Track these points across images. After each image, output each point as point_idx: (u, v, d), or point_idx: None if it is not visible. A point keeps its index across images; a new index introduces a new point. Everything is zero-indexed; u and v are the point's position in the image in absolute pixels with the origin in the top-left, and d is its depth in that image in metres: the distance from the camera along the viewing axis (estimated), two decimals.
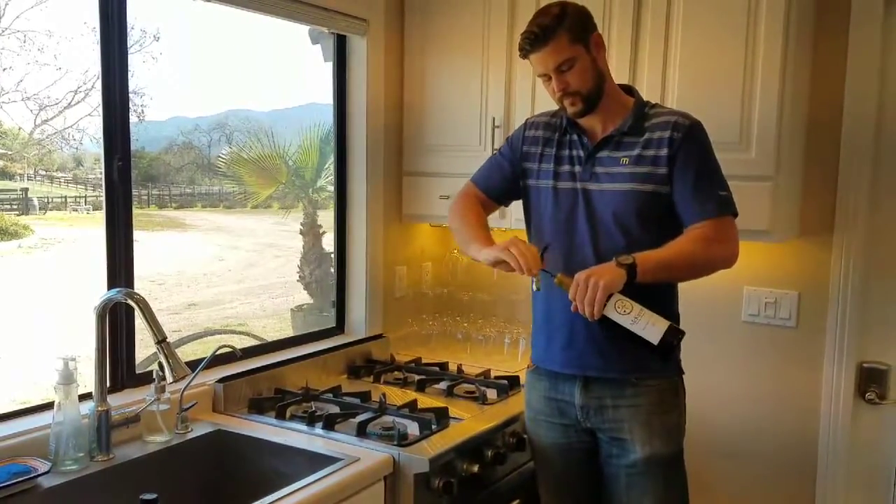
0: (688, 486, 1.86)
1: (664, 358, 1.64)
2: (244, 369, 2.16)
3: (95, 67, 1.89)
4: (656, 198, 1.73)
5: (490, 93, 2.52)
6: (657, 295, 1.77)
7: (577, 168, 1.81)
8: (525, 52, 1.75)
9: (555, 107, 1.90)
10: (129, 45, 1.93)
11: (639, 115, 1.78)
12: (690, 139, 1.73)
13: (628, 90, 1.85)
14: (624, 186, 1.74)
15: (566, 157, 1.84)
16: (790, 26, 2.05)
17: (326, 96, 2.68)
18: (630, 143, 1.76)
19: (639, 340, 1.60)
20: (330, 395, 2.17)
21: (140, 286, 1.98)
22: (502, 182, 1.96)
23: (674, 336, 1.60)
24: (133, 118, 1.97)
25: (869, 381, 2.29)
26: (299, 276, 3.86)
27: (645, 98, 1.86)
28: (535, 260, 1.66)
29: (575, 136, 1.84)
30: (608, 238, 1.76)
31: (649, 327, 1.59)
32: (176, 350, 1.69)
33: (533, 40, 1.71)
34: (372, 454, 1.76)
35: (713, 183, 1.73)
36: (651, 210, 1.74)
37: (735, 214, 1.75)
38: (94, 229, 2.56)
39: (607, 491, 1.85)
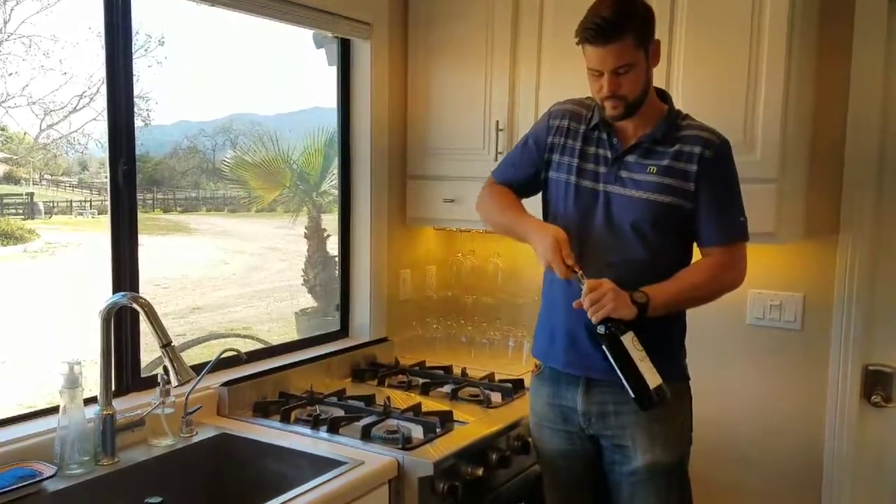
0: (691, 494, 1.85)
1: (642, 407, 1.67)
2: (249, 373, 2.17)
3: (100, 72, 1.90)
4: (676, 210, 1.72)
5: (494, 96, 2.52)
6: None
7: (602, 169, 1.78)
8: (584, 41, 1.65)
9: (579, 95, 1.88)
10: (133, 50, 1.94)
11: (671, 124, 1.75)
12: (721, 159, 1.72)
13: (662, 95, 1.80)
14: (648, 195, 1.72)
15: (592, 155, 1.79)
16: (794, 29, 2.05)
17: (330, 100, 2.69)
18: (659, 153, 1.73)
19: (627, 383, 1.65)
20: (334, 399, 2.18)
21: (145, 290, 1.99)
22: (525, 177, 1.91)
23: (662, 393, 1.65)
24: (138, 122, 1.98)
25: (874, 384, 2.28)
26: (304, 280, 3.87)
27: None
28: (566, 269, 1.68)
29: (604, 135, 1.79)
30: (623, 242, 1.74)
31: (650, 372, 1.64)
32: (181, 354, 1.69)
33: (597, 32, 1.61)
34: (376, 458, 1.77)
35: (737, 208, 1.75)
36: (670, 221, 1.73)
37: (748, 239, 1.76)
38: (99, 233, 2.56)
39: (611, 498, 1.84)
